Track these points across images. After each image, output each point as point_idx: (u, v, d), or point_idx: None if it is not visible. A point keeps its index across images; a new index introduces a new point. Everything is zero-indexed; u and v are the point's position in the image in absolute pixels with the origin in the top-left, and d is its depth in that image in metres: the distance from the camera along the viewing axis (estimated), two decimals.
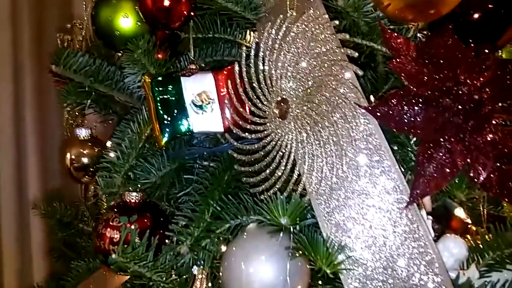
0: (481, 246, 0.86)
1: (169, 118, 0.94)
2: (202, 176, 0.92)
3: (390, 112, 0.75)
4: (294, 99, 0.81)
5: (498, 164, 0.77)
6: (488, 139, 0.75)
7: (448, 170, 0.74)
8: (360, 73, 0.72)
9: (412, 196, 0.72)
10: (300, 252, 0.73)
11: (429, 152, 0.74)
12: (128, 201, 0.94)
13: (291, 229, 0.77)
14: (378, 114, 0.75)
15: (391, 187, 0.73)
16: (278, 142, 0.83)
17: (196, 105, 0.95)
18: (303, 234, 0.76)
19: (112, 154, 0.91)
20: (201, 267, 0.81)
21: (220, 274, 0.87)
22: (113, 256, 0.77)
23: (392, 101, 0.75)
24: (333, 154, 0.76)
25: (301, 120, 0.79)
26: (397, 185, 0.73)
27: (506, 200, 0.79)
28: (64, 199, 1.34)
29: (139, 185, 0.93)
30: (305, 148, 0.78)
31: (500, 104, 0.77)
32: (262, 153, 0.86)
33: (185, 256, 0.83)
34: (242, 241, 0.87)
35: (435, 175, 0.73)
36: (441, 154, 0.74)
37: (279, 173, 0.82)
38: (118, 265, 0.78)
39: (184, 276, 0.82)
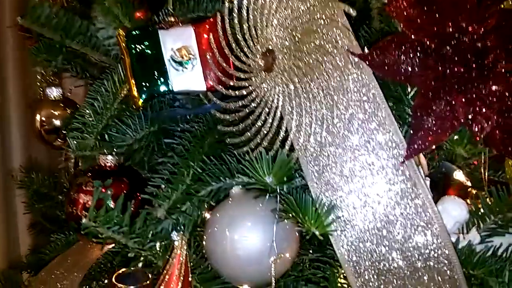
0: (482, 209, 0.80)
1: (146, 76, 0.87)
2: (183, 138, 0.85)
3: (386, 60, 0.68)
4: (281, 49, 0.74)
5: (503, 118, 0.71)
6: (493, 89, 0.69)
7: (448, 124, 0.67)
8: (353, 13, 0.65)
9: (409, 150, 0.66)
10: (288, 214, 0.67)
11: (427, 104, 0.68)
12: (103, 165, 0.88)
13: (278, 190, 0.71)
14: (373, 62, 0.68)
15: (387, 141, 0.67)
16: (264, 97, 0.76)
17: (175, 62, 0.88)
18: (291, 195, 0.70)
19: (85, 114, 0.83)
20: (181, 233, 0.75)
21: (204, 242, 0.81)
22: (84, 220, 0.71)
23: (388, 48, 0.68)
24: (323, 107, 0.69)
25: (288, 71, 0.72)
26: (393, 139, 0.67)
27: (508, 155, 0.73)
28: (43, 169, 1.27)
29: (114, 148, 0.86)
30: (293, 102, 0.72)
31: (504, 53, 0.71)
32: (247, 111, 0.79)
33: (163, 221, 0.76)
34: (227, 206, 0.81)
35: (434, 128, 0.67)
36: (441, 106, 0.68)
37: (265, 131, 0.75)
38: (90, 231, 0.72)
39: (163, 243, 0.76)
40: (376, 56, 0.68)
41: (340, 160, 0.68)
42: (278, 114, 0.74)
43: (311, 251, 0.85)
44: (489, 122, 0.68)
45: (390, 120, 0.67)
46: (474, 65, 0.70)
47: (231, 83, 0.82)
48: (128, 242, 0.75)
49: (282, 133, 0.73)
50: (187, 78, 0.87)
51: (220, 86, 0.84)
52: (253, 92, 0.78)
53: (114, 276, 0.79)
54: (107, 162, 0.87)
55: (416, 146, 0.66)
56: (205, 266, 0.83)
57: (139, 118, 0.90)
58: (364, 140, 0.67)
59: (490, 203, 0.80)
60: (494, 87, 0.69)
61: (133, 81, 0.86)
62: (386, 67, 0.68)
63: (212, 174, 0.75)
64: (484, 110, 0.68)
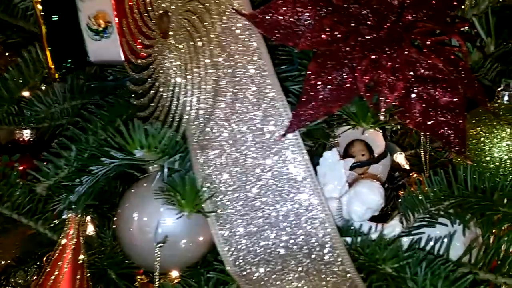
0: (415, 197, 0.70)
1: (63, 46, 0.82)
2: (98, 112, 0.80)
3: (276, 20, 0.59)
4: (174, 8, 0.66)
5: (421, 89, 0.61)
6: (407, 55, 0.59)
7: (345, 94, 0.58)
8: None
9: (292, 123, 0.57)
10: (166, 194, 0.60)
11: (323, 70, 0.58)
12: (18, 139, 0.84)
13: (165, 169, 0.64)
14: (261, 23, 0.59)
15: (273, 114, 0.58)
16: (159, 66, 0.69)
17: (92, 30, 0.82)
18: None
19: None
20: (73, 212, 0.70)
21: (114, 222, 0.76)
22: None
23: (278, 7, 0.59)
24: (212, 77, 0.62)
25: (180, 37, 0.65)
26: (279, 112, 0.58)
27: (430, 133, 0.63)
28: None
29: (31, 123, 0.82)
30: (183, 69, 0.64)
31: (425, 13, 0.61)
32: (149, 82, 0.72)
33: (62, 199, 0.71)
34: (139, 185, 0.75)
35: (329, 98, 0.58)
36: (339, 73, 0.58)
37: (163, 103, 0.69)
38: None
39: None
40: (265, 16, 0.59)
41: (224, 135, 0.60)
42: (172, 85, 0.66)
43: None
44: (395, 93, 0.58)
45: (278, 91, 0.58)
46: (386, 26, 0.60)
47: (142, 52, 0.75)
48: (19, 218, 0.70)
49: (173, 107, 0.66)
50: (104, 48, 0.81)
51: (132, 55, 0.77)
52: (155, 61, 0.71)
53: None
54: (22, 136, 0.83)
55: (302, 118, 0.57)
56: (115, 248, 0.78)
57: (61, 92, 0.85)
58: (251, 111, 0.59)
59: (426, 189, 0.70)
60: (407, 53, 0.59)
61: (49, 50, 0.82)
62: (276, 29, 0.59)
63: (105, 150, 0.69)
64: (391, 78, 0.58)
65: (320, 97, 0.58)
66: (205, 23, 0.60)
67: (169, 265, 0.74)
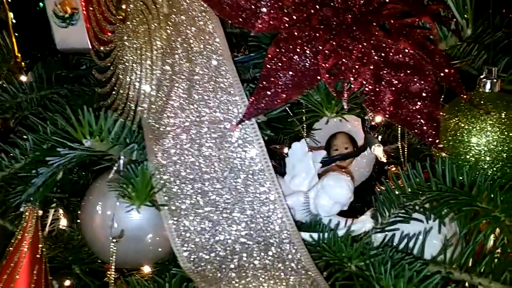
0: (390, 192, 0.66)
1: (30, 34, 0.79)
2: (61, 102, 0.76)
3: (237, 1, 0.55)
4: None
5: (392, 76, 0.57)
6: (375, 38, 0.55)
7: (306, 80, 0.54)
8: None
9: (248, 111, 0.53)
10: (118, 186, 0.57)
11: (283, 54, 0.55)
12: None
13: (121, 160, 0.61)
14: (220, 4, 0.56)
15: (229, 100, 0.55)
16: (119, 53, 0.66)
17: (58, 17, 0.79)
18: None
19: None
20: (30, 204, 0.67)
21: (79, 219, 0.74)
22: None
23: None
24: (166, 59, 0.58)
25: (136, 20, 0.62)
26: (234, 98, 0.54)
27: (402, 124, 0.58)
28: None
29: None
30: (137, 55, 0.61)
31: None
32: (110, 70, 0.69)
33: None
34: (105, 176, 0.72)
35: (289, 84, 0.54)
36: (301, 57, 0.55)
37: (122, 92, 0.65)
38: None
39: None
40: None
41: (178, 121, 0.57)
42: (129, 71, 0.63)
43: None
44: (361, 79, 0.54)
45: (234, 76, 0.55)
46: (352, 8, 0.56)
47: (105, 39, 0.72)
48: None
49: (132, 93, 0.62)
50: (71, 35, 0.78)
51: (97, 42, 0.74)
52: (116, 47, 0.68)
53: None
54: None
55: (260, 105, 0.53)
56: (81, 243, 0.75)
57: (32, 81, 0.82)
58: (207, 99, 0.56)
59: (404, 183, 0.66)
60: (375, 36, 0.55)
61: (15, 38, 0.79)
62: (235, 11, 0.55)
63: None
64: (356, 64, 0.54)
65: (279, 83, 0.54)
66: (157, 5, 0.57)
67: (135, 260, 0.71)
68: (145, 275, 0.77)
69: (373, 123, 0.84)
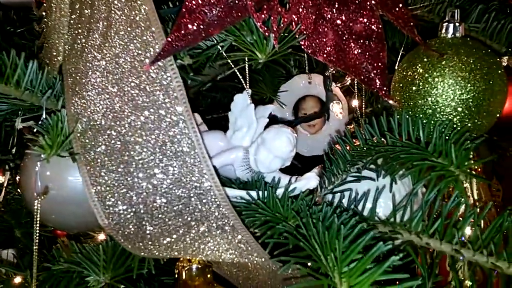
0: (342, 149, 0.60)
1: None
2: None
3: None
4: None
5: (333, 14, 0.51)
6: None
7: (230, 14, 0.48)
8: None
9: (166, 49, 0.47)
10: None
11: None
12: None
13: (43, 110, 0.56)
14: None
15: (150, 43, 0.49)
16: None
17: None
18: None
19: None
20: None
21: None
22: None
23: None
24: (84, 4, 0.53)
25: None
26: (148, 40, 0.49)
27: (346, 69, 0.52)
28: None
29: None
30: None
31: None
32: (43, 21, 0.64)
33: None
34: None
35: (215, 21, 0.48)
36: None
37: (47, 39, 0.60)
38: None
39: None
40: None
41: (101, 67, 0.51)
42: (52, 18, 0.58)
43: None
44: (292, 12, 0.48)
45: (152, 16, 0.49)
46: None
47: None
48: None
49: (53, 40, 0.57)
50: None
51: None
52: None
53: None
54: None
55: (182, 42, 0.48)
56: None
57: None
58: (127, 40, 0.50)
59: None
60: None
61: None
62: None
63: None
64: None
65: (203, 19, 0.48)
66: None
67: (66, 222, 0.67)
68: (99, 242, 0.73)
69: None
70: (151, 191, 0.49)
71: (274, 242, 0.51)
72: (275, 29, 0.47)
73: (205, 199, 0.48)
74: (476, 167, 0.73)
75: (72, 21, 0.54)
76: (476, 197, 0.71)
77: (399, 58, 0.62)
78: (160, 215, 0.50)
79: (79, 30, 0.53)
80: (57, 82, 0.56)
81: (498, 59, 0.58)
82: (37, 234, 0.58)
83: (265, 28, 0.48)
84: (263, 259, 0.51)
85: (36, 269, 0.60)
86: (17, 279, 0.68)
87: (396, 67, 0.62)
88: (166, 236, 0.51)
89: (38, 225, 0.58)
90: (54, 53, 0.57)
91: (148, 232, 0.51)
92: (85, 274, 0.63)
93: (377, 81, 0.52)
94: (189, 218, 0.49)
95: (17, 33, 0.79)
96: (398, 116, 0.57)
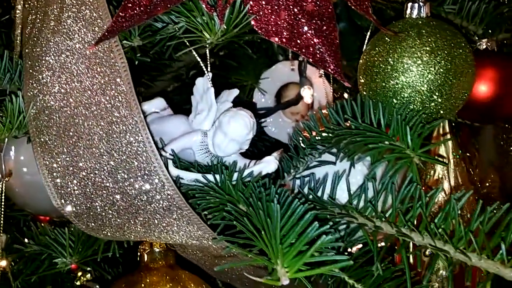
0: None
1: None
2: None
3: None
4: None
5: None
6: None
7: None
8: None
9: (111, 28, 0.48)
10: None
11: None
12: None
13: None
14: None
15: (92, 24, 0.49)
16: None
17: None
18: None
19: None
20: None
21: None
22: None
23: None
24: None
25: None
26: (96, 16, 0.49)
27: (299, 50, 0.52)
28: None
29: None
30: None
31: None
32: None
33: None
34: None
35: (160, 2, 0.48)
36: None
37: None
38: None
39: None
40: None
41: (55, 51, 0.52)
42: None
43: None
44: None
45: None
46: None
47: None
48: None
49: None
50: None
51: None
52: None
53: None
54: None
55: (127, 22, 0.48)
56: None
57: None
58: (76, 23, 0.51)
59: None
60: None
61: None
62: None
63: None
64: None
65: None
66: None
67: (44, 208, 0.68)
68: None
69: None
70: (98, 172, 0.49)
71: (225, 224, 0.51)
72: (223, 10, 0.47)
73: (150, 180, 0.48)
74: (454, 154, 0.71)
75: (32, 4, 0.55)
76: (453, 184, 0.69)
77: (366, 41, 0.61)
78: (109, 196, 0.50)
79: (38, 15, 0.54)
80: (18, 66, 0.56)
81: (464, 39, 0.56)
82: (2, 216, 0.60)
83: (211, 8, 0.48)
84: (211, 242, 0.51)
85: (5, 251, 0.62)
86: None
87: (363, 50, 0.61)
88: (116, 217, 0.51)
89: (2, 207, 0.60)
90: (18, 38, 0.58)
91: (98, 212, 0.51)
92: (54, 256, 0.65)
93: (330, 61, 0.51)
94: (136, 200, 0.49)
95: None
96: (360, 101, 0.56)
